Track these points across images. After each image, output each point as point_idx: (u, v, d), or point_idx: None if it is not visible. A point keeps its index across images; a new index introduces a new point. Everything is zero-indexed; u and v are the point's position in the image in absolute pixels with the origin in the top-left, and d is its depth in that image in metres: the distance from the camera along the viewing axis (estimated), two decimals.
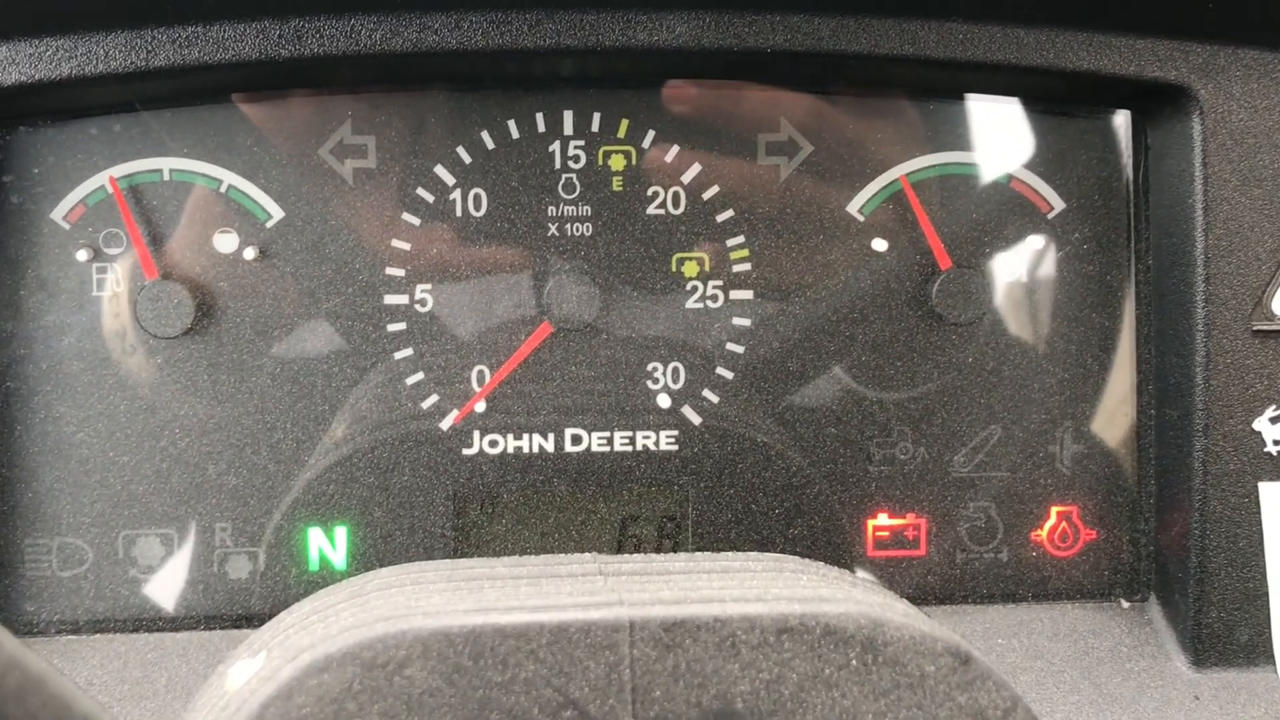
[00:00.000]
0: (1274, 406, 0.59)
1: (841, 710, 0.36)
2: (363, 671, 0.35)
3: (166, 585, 0.62)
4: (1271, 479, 0.59)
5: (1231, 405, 0.59)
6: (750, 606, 0.37)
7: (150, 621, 0.62)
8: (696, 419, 0.63)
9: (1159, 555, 0.64)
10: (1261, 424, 0.59)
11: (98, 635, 0.61)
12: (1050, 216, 0.64)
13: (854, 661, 0.37)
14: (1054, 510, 0.65)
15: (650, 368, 0.64)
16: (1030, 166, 0.64)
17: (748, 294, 0.63)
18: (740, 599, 0.37)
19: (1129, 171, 0.64)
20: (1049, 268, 0.65)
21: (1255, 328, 0.59)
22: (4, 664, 0.28)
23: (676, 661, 0.36)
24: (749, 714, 0.36)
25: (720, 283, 0.63)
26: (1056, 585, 0.66)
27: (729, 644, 0.36)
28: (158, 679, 0.60)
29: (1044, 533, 0.66)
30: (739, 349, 0.63)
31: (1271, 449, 0.59)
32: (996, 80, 0.62)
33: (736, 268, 0.63)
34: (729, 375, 0.64)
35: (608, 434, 0.62)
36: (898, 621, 0.37)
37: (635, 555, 0.56)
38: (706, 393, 0.63)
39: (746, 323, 0.64)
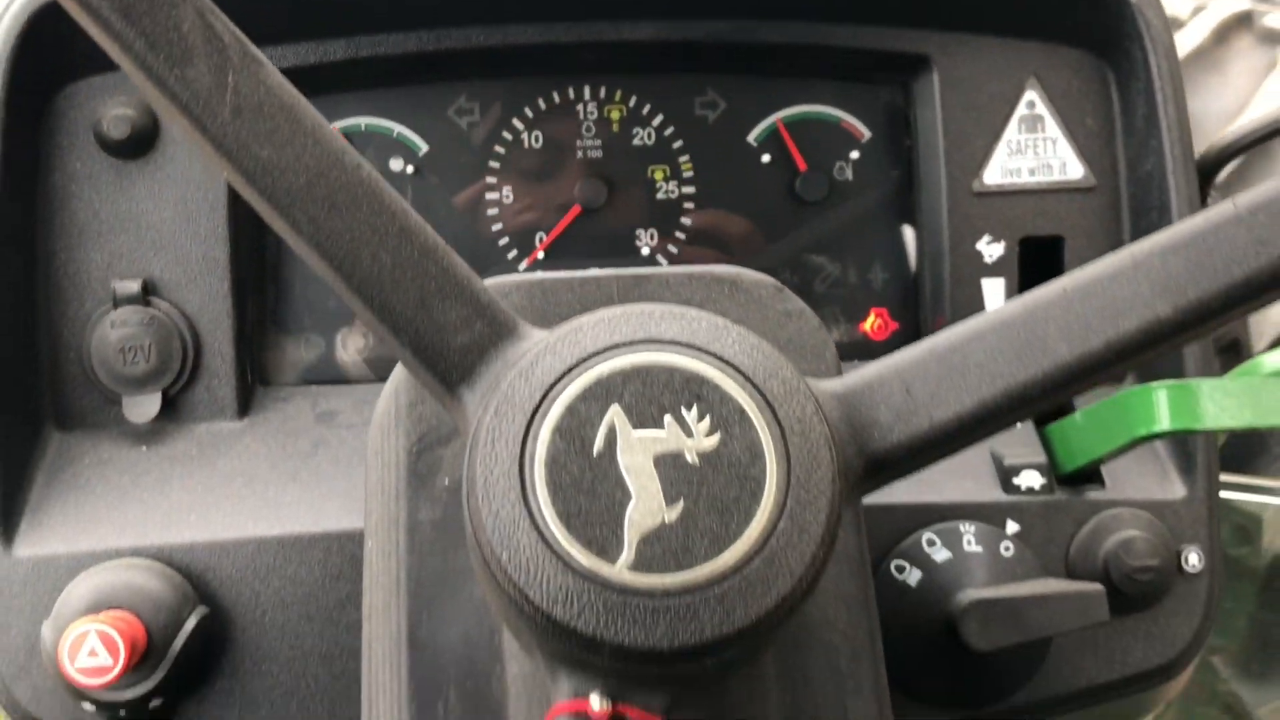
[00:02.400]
0: (988, 237, 0.91)
1: (721, 311, 0.58)
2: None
3: (359, 355, 0.94)
4: (988, 277, 0.90)
5: (963, 236, 0.90)
6: (681, 269, 0.68)
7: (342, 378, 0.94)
8: (665, 261, 0.95)
9: (931, 330, 0.92)
10: (980, 246, 0.90)
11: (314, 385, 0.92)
12: (862, 141, 0.95)
13: (727, 290, 0.61)
14: (873, 311, 0.95)
15: (636, 232, 0.95)
16: (849, 111, 0.95)
17: (692, 189, 0.95)
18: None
19: (905, 110, 0.95)
20: (863, 168, 0.96)
21: (974, 190, 0.90)
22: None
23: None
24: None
25: (675, 182, 0.94)
26: (875, 352, 0.94)
27: (668, 285, 0.67)
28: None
29: (868, 325, 0.96)
30: (688, 220, 0.95)
31: (987, 260, 0.90)
32: (820, 60, 0.93)
33: (685, 174, 0.94)
34: (682, 236, 0.95)
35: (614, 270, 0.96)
36: (747, 274, 0.70)
37: None
38: (670, 247, 0.94)
39: (691, 205, 0.95)
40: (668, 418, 0.50)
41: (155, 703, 0.76)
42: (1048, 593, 0.77)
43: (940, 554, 0.81)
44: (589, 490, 0.49)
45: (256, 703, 0.78)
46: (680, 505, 0.49)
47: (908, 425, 0.53)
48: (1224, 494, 1.78)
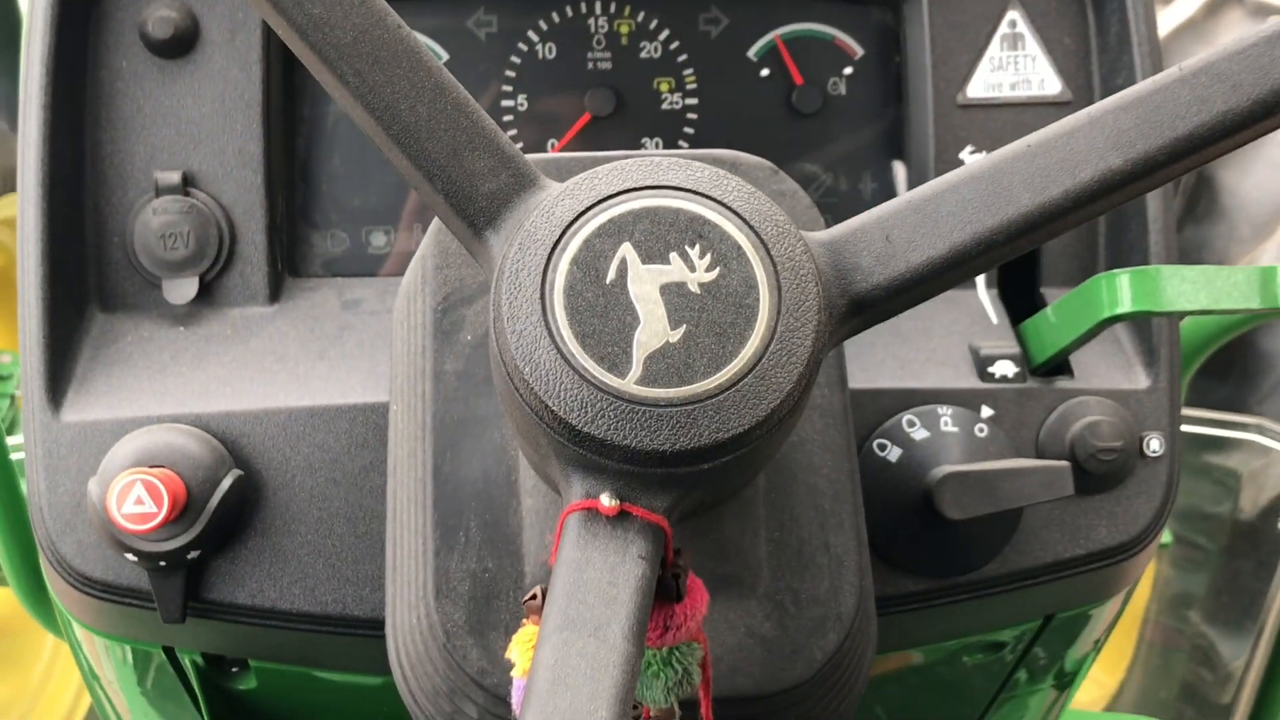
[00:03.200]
0: (971, 147, 0.97)
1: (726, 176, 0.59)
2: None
3: (391, 254, 1.01)
4: None
5: (947, 145, 0.95)
6: (685, 151, 0.74)
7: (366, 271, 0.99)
8: None
9: None
10: (964, 155, 0.96)
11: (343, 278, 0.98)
12: (855, 58, 1.00)
13: (726, 169, 0.72)
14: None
15: (642, 141, 1.00)
16: (843, 29, 1.00)
17: (695, 100, 1.00)
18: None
19: (895, 28, 0.99)
20: (855, 83, 1.01)
21: (959, 104, 0.96)
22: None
23: None
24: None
25: (680, 94, 0.99)
26: None
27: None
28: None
29: None
30: (691, 130, 1.00)
31: None
32: None
33: (689, 86, 1.00)
34: (685, 145, 1.00)
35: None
36: (745, 156, 0.75)
37: None
38: None
39: (695, 116, 1.00)
40: (673, 253, 0.56)
41: (193, 554, 0.81)
42: (1017, 467, 0.82)
43: (919, 433, 0.87)
44: (602, 314, 0.55)
45: (285, 559, 0.84)
46: (683, 329, 0.55)
47: (887, 269, 0.59)
48: (1188, 429, 1.83)
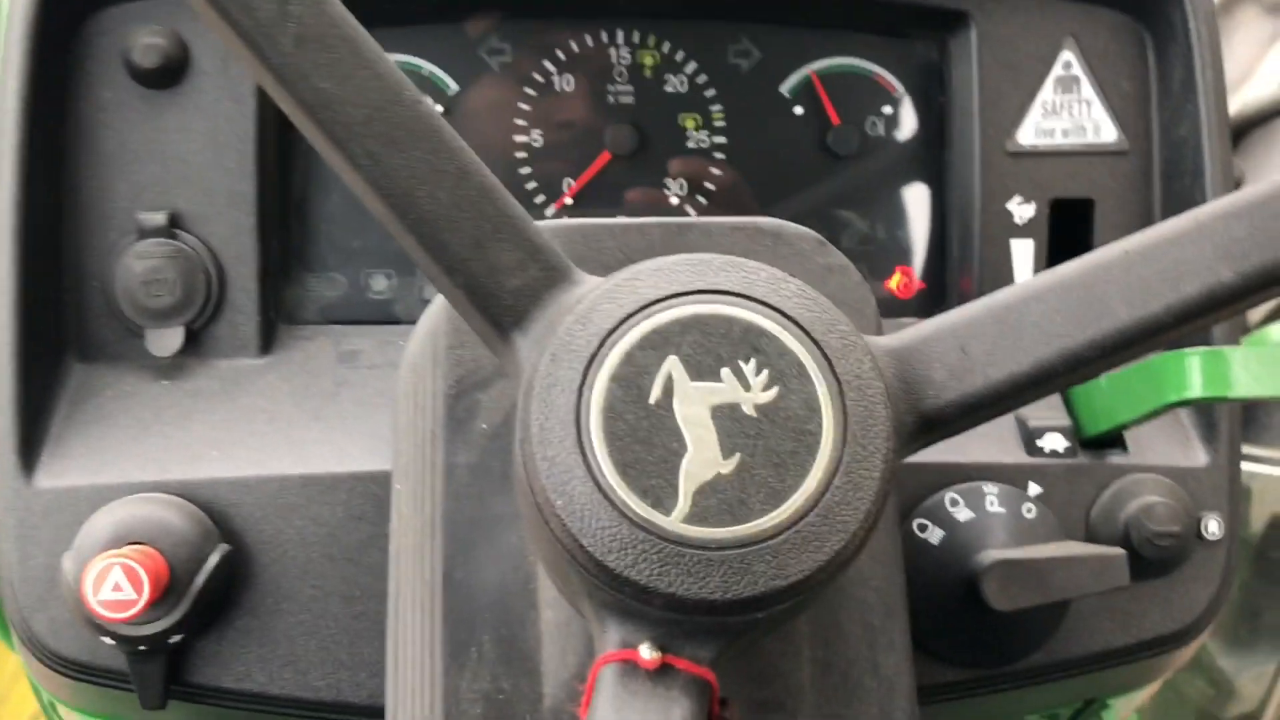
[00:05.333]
0: (1019, 197, 0.91)
1: (764, 263, 0.57)
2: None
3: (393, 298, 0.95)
4: (1017, 238, 0.90)
5: (994, 195, 0.89)
6: (724, 219, 0.68)
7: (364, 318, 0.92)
8: (693, 212, 0.93)
9: (959, 292, 0.92)
10: (1011, 206, 0.90)
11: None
12: (894, 95, 0.94)
13: (769, 242, 0.64)
14: (898, 269, 0.94)
15: (665, 182, 0.93)
16: (883, 65, 0.94)
17: (723, 139, 0.94)
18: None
19: (940, 66, 0.93)
20: (895, 124, 0.94)
21: (1008, 150, 0.90)
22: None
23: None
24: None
25: (707, 131, 0.93)
26: (899, 310, 0.94)
27: (710, 235, 0.67)
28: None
29: (894, 284, 0.94)
30: (718, 171, 0.94)
31: (1017, 221, 0.89)
32: (857, 13, 0.92)
33: (717, 124, 0.93)
34: (712, 186, 0.94)
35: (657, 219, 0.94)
36: (790, 227, 0.69)
37: None
38: (699, 197, 0.93)
39: (722, 156, 0.94)
40: (725, 370, 0.50)
41: (175, 638, 0.75)
42: (1069, 555, 0.76)
43: (963, 514, 0.81)
44: (645, 440, 0.48)
45: (276, 641, 0.78)
46: (736, 458, 0.49)
47: (962, 384, 0.52)
48: None
